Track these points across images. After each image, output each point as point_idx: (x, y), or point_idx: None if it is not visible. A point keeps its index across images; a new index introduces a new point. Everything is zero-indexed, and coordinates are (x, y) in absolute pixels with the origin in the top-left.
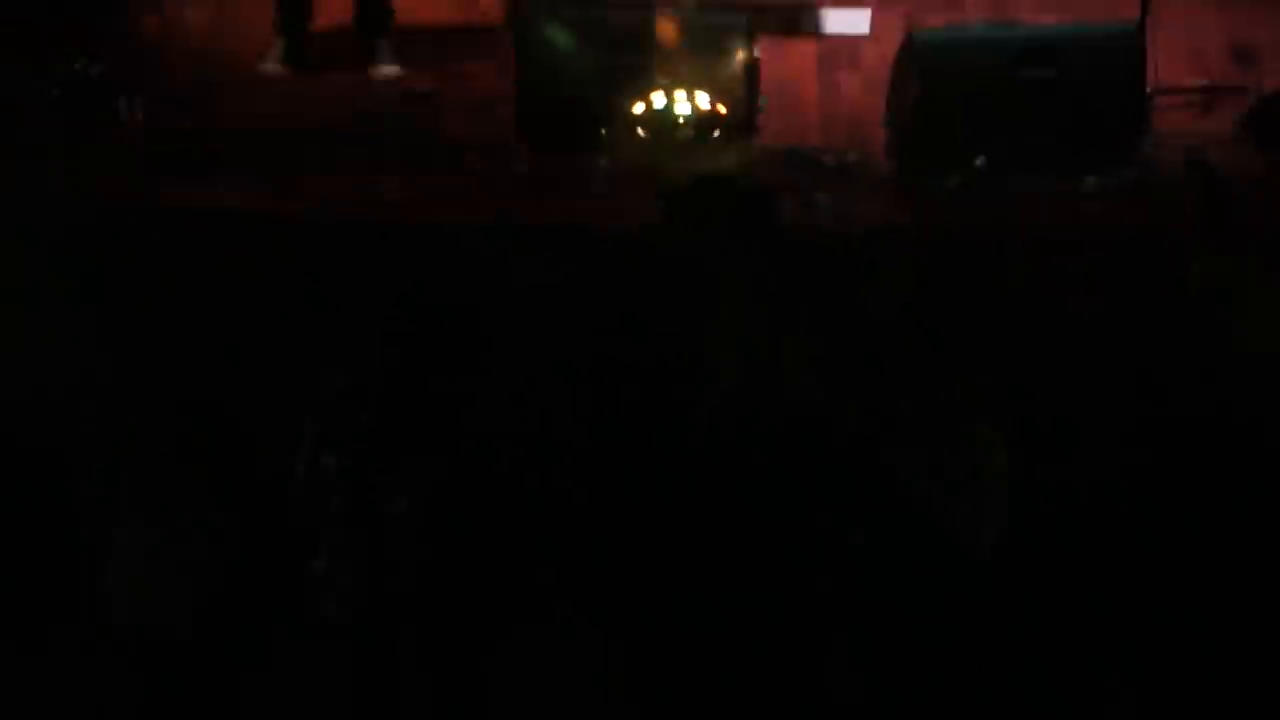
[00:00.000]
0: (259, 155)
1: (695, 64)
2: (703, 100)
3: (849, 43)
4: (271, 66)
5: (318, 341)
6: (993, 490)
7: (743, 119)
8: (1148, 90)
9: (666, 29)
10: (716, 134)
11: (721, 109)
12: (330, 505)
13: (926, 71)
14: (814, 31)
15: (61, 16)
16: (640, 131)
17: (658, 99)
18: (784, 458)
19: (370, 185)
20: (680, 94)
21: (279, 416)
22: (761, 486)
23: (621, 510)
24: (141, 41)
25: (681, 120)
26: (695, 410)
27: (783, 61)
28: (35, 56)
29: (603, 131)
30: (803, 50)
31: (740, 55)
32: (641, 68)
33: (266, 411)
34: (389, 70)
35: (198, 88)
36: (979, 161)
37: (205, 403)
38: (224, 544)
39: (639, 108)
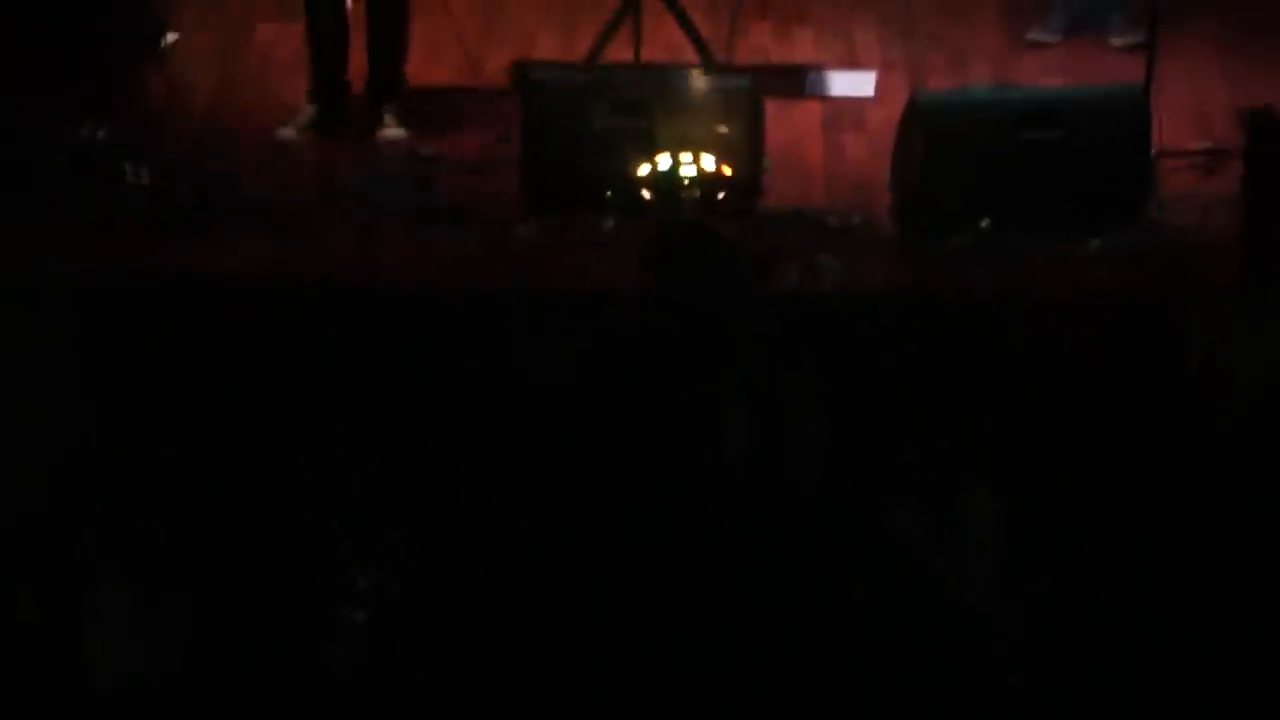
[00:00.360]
0: (263, 218)
1: (700, 126)
2: (708, 162)
3: (854, 105)
4: (289, 132)
5: (320, 405)
6: (988, 550)
7: (748, 181)
8: (1152, 153)
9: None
10: (721, 196)
11: (727, 171)
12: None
13: (930, 133)
14: (819, 94)
15: (68, 79)
16: (646, 194)
17: (663, 161)
18: (786, 520)
19: (374, 249)
20: (685, 156)
21: (280, 480)
22: (763, 548)
23: (625, 572)
24: (148, 104)
25: (687, 182)
26: (701, 474)
27: (788, 123)
28: (42, 120)
29: (608, 194)
30: (807, 112)
31: (745, 117)
32: (646, 130)
33: (267, 475)
34: (395, 134)
35: (203, 151)
36: (983, 223)
37: (203, 464)
38: (216, 613)
39: (644, 170)
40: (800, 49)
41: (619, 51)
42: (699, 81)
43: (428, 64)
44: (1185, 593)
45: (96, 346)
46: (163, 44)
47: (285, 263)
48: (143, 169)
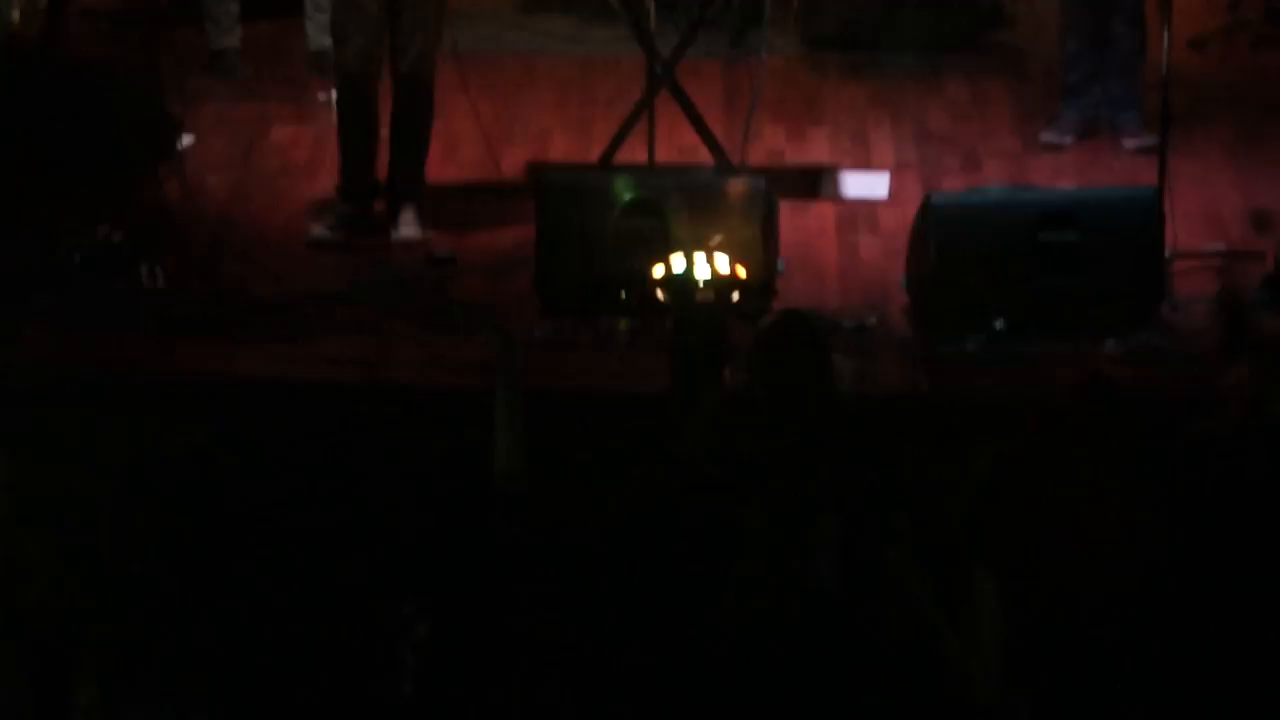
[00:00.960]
0: (278, 320)
1: (715, 227)
2: (722, 263)
3: (868, 206)
4: (321, 231)
5: (332, 514)
6: (991, 636)
7: (762, 282)
8: (1166, 254)
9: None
10: (736, 297)
11: (741, 272)
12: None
13: (945, 234)
14: (833, 195)
15: (84, 182)
16: (660, 295)
17: (677, 262)
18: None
19: (389, 350)
20: (700, 257)
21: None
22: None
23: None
24: (163, 207)
25: (701, 284)
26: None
27: (802, 224)
28: (57, 222)
29: (622, 295)
30: (822, 213)
31: (759, 218)
32: (661, 231)
33: (277, 576)
34: (412, 233)
35: (219, 253)
36: (998, 324)
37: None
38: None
39: (659, 271)
40: (814, 150)
41: (634, 152)
42: (713, 182)
43: (443, 164)
44: (1200, 681)
45: (110, 447)
46: (179, 147)
47: (299, 364)
48: (158, 271)
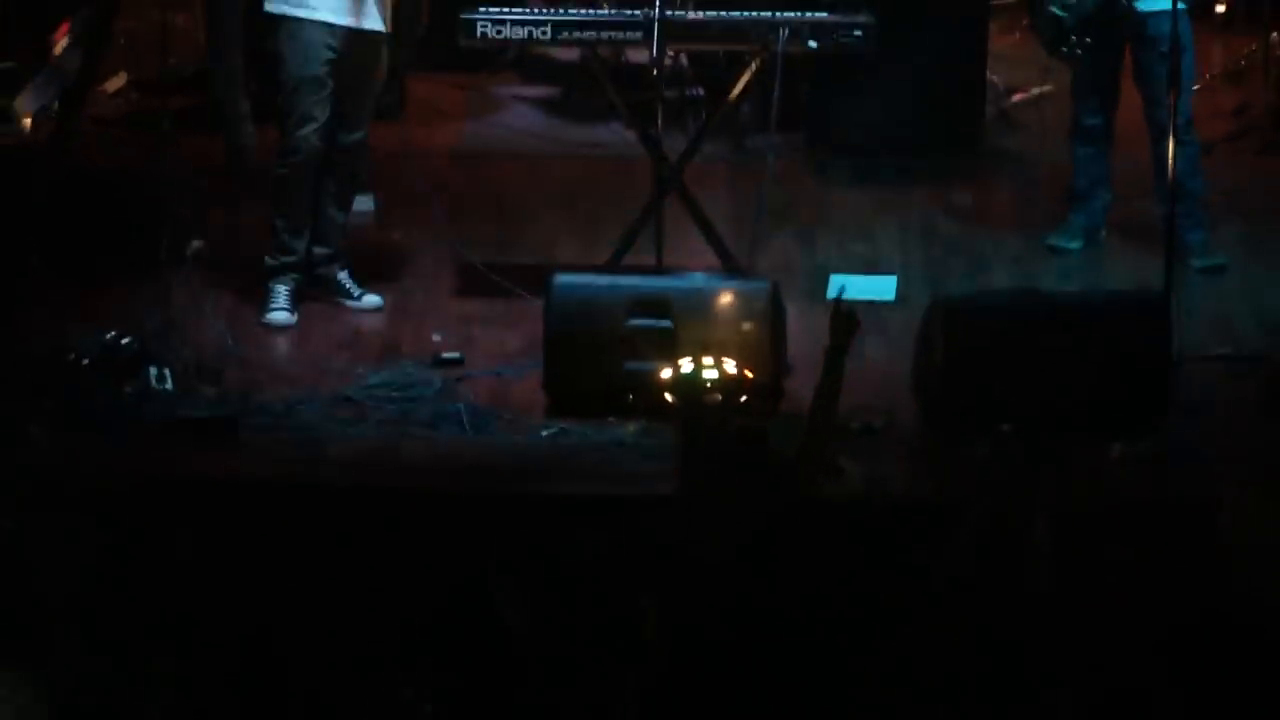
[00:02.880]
0: (286, 421)
1: (722, 329)
2: (730, 365)
3: (875, 308)
4: (281, 314)
5: (341, 607)
6: None
7: (769, 384)
8: (1174, 358)
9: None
10: (744, 399)
11: (749, 374)
12: None
13: (952, 337)
14: (839, 297)
15: (93, 286)
16: (668, 397)
17: (685, 364)
18: None
19: (397, 452)
20: (707, 359)
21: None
22: None
23: None
24: (172, 311)
25: (709, 386)
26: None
27: (809, 326)
28: (67, 326)
29: (630, 397)
30: (829, 315)
31: (767, 320)
32: (668, 333)
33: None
34: (373, 300)
35: (227, 357)
36: (1005, 427)
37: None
38: None
39: (666, 373)
40: (821, 253)
41: (642, 254)
42: (721, 285)
43: (452, 265)
44: None
45: (122, 550)
46: (189, 251)
47: (308, 466)
48: (166, 374)
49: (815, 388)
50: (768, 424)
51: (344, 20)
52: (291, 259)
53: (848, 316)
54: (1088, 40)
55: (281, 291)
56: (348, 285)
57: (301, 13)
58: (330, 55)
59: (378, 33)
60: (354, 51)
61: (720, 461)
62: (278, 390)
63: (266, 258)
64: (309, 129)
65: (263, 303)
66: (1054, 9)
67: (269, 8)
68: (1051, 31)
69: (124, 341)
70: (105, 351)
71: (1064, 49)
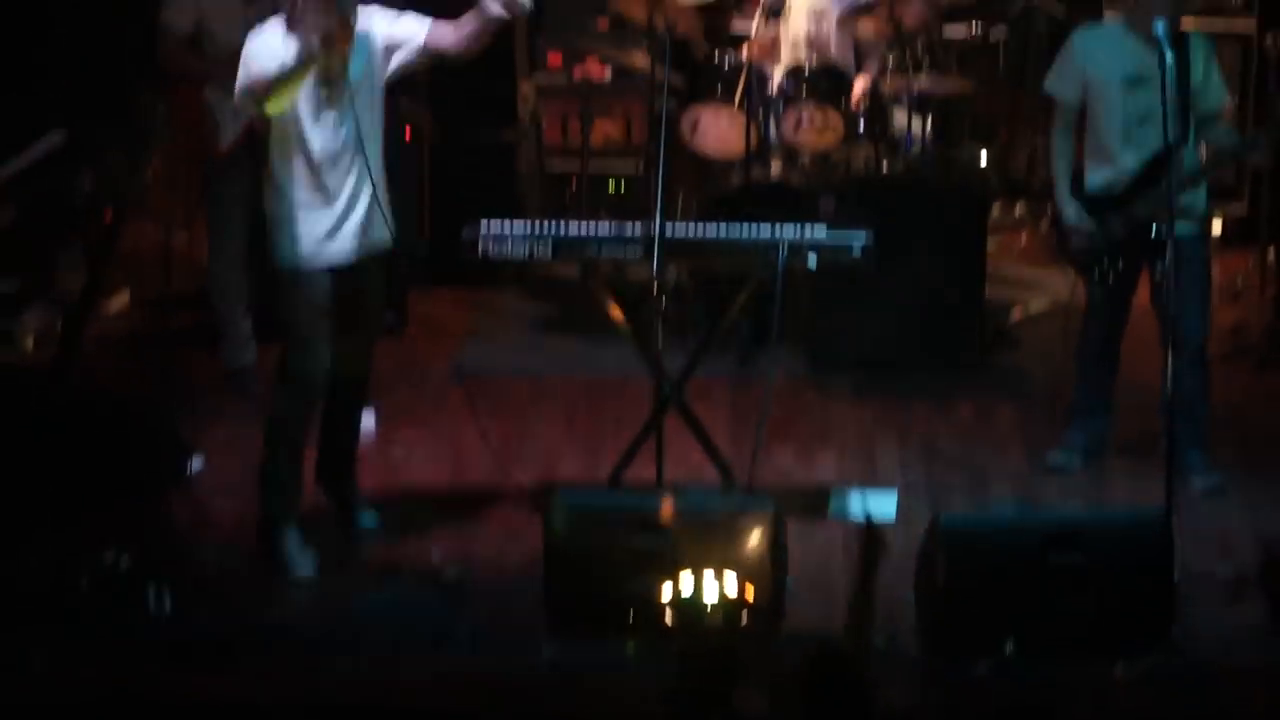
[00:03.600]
0: (287, 643)
1: (722, 547)
2: (730, 584)
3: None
4: (305, 571)
5: None
6: None
7: (771, 603)
8: (1176, 577)
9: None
10: (744, 618)
11: (750, 593)
12: None
13: (953, 556)
14: (841, 515)
15: (93, 505)
16: (668, 616)
17: (685, 583)
18: None
19: (396, 674)
20: (708, 577)
21: None
22: None
23: None
24: (172, 531)
25: (710, 605)
26: None
27: (811, 544)
28: (66, 546)
29: (631, 616)
30: (830, 533)
31: (767, 538)
32: (668, 551)
33: None
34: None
35: (225, 579)
36: (1008, 647)
37: None
38: None
39: (667, 591)
40: (822, 470)
41: (642, 472)
42: (721, 503)
43: (452, 484)
44: None
45: None
46: (189, 470)
47: (308, 690)
48: (165, 596)
49: (847, 611)
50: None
51: (349, 258)
52: (293, 501)
53: (876, 538)
54: (1120, 266)
55: (293, 538)
56: (355, 507)
57: (309, 264)
58: (331, 295)
59: (382, 251)
60: (355, 279)
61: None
62: (277, 609)
63: (267, 503)
64: (316, 359)
65: (272, 550)
66: (1088, 235)
67: (277, 262)
68: (1085, 258)
69: (124, 563)
70: (104, 572)
71: (1096, 275)
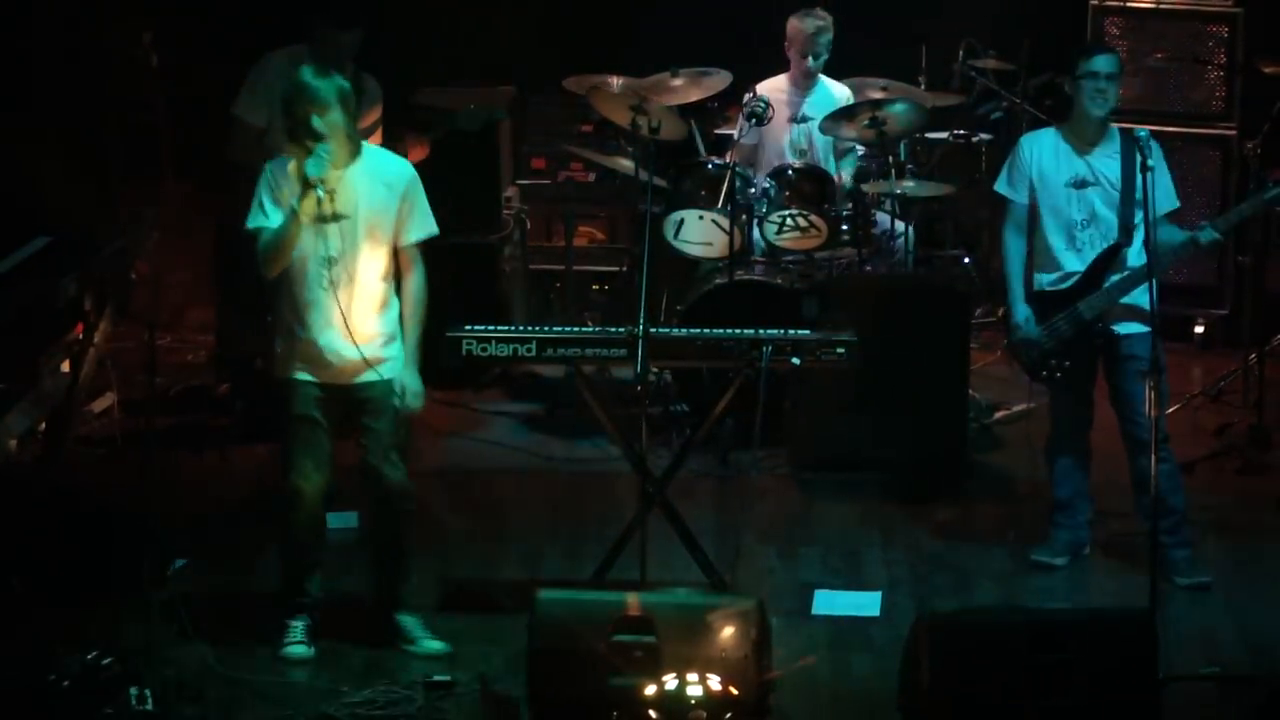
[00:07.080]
0: None
1: (706, 646)
2: (714, 682)
3: (860, 624)
4: (300, 648)
5: None
6: None
7: (755, 701)
8: (1160, 676)
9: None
10: (729, 717)
11: (734, 691)
12: None
13: (937, 654)
14: (825, 613)
15: (75, 605)
16: (652, 715)
17: (669, 681)
18: None
19: None
20: (692, 676)
21: None
22: None
23: None
24: (153, 631)
25: (694, 703)
26: None
27: (794, 642)
28: (47, 645)
29: (615, 715)
30: (814, 631)
31: (751, 637)
32: (652, 650)
33: None
34: (436, 645)
35: (209, 675)
36: None
37: None
38: None
39: (650, 690)
40: (806, 569)
41: (626, 570)
42: (705, 601)
43: (436, 582)
44: None
45: None
46: (170, 570)
47: None
48: (146, 694)
49: None
50: None
51: (328, 379)
52: (294, 594)
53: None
54: (1066, 364)
55: (298, 627)
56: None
57: (283, 375)
58: (325, 403)
59: (368, 380)
60: (347, 396)
61: None
62: (259, 710)
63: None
64: (308, 488)
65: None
66: (1033, 336)
67: (278, 373)
68: (1031, 357)
69: (105, 662)
70: (86, 672)
71: (1044, 373)
